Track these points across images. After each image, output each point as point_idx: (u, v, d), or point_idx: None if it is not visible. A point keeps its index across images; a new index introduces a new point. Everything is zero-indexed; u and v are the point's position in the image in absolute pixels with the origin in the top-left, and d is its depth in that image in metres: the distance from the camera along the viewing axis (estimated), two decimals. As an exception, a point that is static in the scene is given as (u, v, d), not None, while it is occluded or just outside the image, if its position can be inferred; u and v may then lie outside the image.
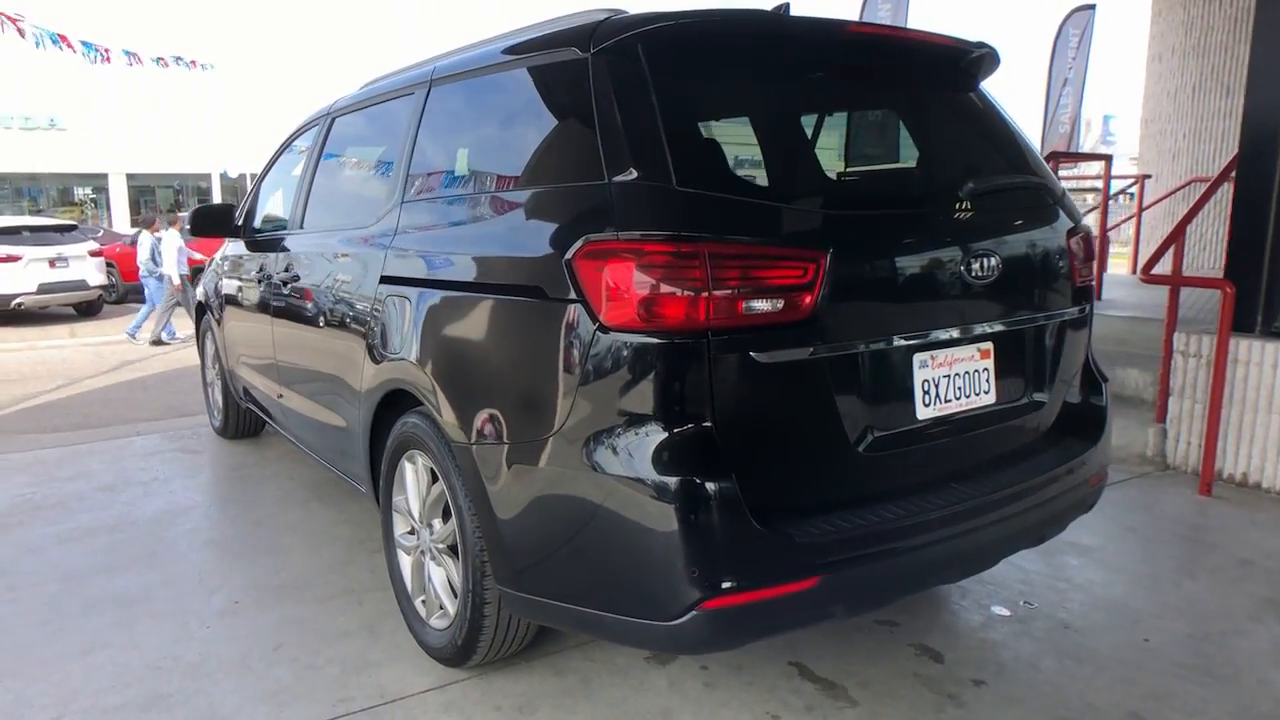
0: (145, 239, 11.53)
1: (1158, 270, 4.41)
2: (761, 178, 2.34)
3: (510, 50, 2.54)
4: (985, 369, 2.41)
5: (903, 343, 2.22)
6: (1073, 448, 2.61)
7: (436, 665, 2.67)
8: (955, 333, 2.32)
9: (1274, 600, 3.11)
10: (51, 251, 13.26)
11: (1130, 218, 9.40)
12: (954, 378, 2.34)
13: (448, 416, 2.39)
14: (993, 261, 2.29)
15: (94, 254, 13.98)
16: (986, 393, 2.42)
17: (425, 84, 2.94)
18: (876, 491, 2.19)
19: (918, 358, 2.26)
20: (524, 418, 2.18)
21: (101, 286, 14.13)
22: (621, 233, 1.96)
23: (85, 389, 8.04)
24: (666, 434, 1.92)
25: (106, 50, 14.18)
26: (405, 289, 2.67)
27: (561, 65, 2.27)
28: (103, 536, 3.80)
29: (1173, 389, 4.49)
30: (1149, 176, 8.87)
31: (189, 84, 27.75)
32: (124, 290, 16.08)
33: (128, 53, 14.98)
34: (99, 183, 35.86)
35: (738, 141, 2.39)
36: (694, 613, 1.92)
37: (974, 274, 2.26)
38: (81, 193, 37.47)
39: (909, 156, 2.73)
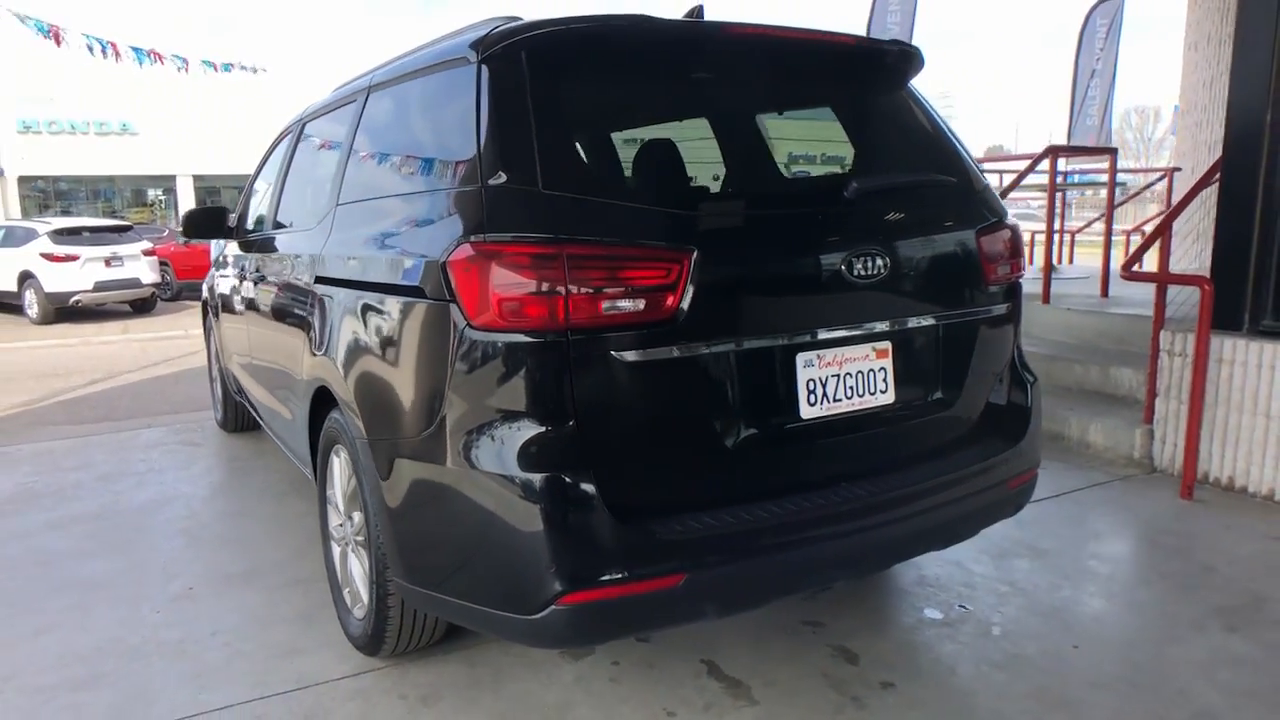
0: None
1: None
2: (633, 180, 2.35)
3: (422, 58, 2.61)
4: (882, 368, 2.39)
5: (783, 342, 2.21)
6: (989, 448, 2.58)
7: (358, 654, 2.75)
8: (844, 332, 2.30)
9: (1224, 608, 3.01)
10: (107, 251, 13.87)
11: (1161, 215, 9.07)
12: (845, 377, 2.33)
13: (350, 412, 2.48)
14: (879, 261, 2.27)
15: (148, 253, 14.58)
16: (884, 392, 2.40)
17: (365, 91, 3.02)
18: (755, 490, 2.19)
19: (801, 357, 2.25)
20: (407, 414, 2.24)
21: (155, 284, 14.72)
22: (489, 235, 2.00)
23: (120, 383, 8.38)
24: (528, 431, 1.96)
25: (158, 55, 14.75)
26: (331, 289, 2.76)
27: (456, 73, 2.32)
28: (88, 524, 4.00)
29: (1159, 389, 4.35)
30: (1178, 169, 8.55)
31: (249, 87, 28.64)
32: (178, 288, 16.71)
33: (178, 58, 15.56)
34: (167, 184, 37.25)
35: (617, 145, 2.40)
36: (553, 607, 1.96)
37: (858, 274, 2.25)
38: (153, 194, 39.04)
39: (805, 157, 2.73)
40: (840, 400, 2.32)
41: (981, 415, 2.65)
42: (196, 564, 3.52)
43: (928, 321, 2.48)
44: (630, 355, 1.99)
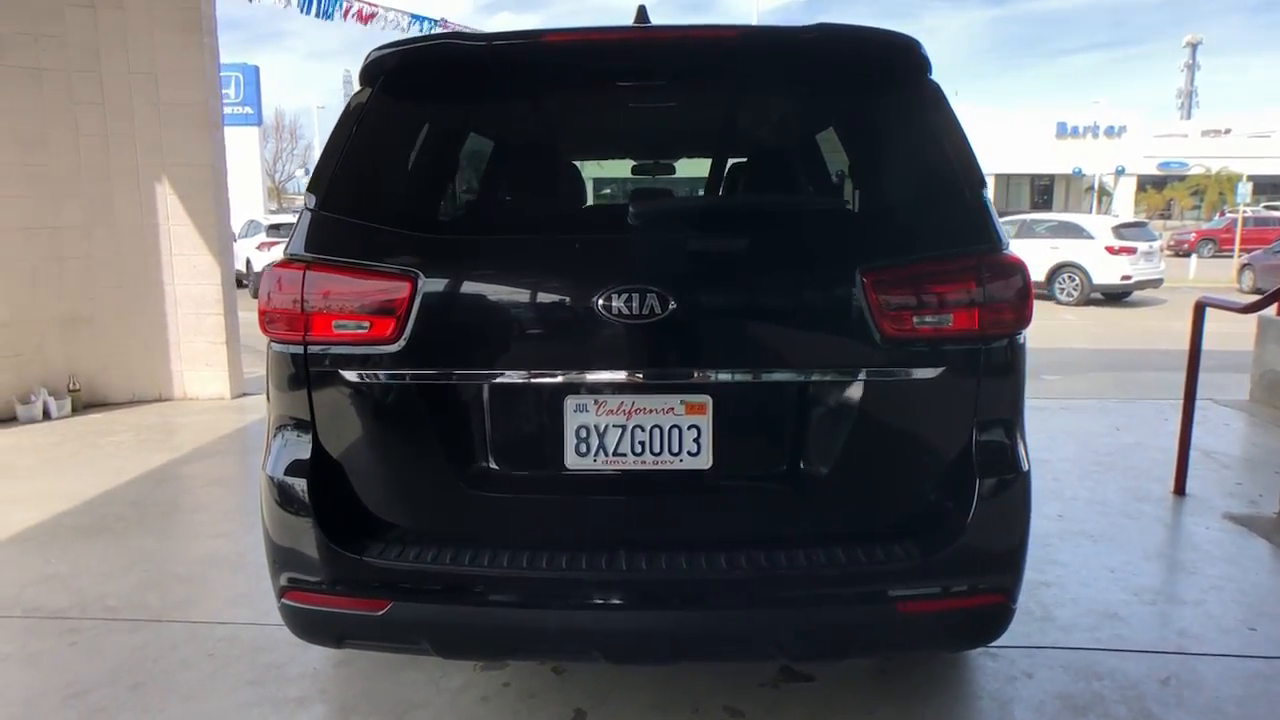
0: None
1: None
2: (400, 204, 2.21)
3: None
4: (694, 426, 1.99)
5: (544, 381, 2.00)
6: (870, 552, 1.96)
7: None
8: (631, 377, 1.98)
9: None
10: None
11: None
12: (635, 430, 2.00)
13: None
14: (653, 300, 1.88)
15: None
16: (694, 454, 1.99)
17: None
18: (500, 537, 2.03)
19: (572, 401, 2.00)
20: None
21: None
22: (289, 253, 2.19)
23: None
24: (277, 434, 2.13)
25: None
26: None
27: None
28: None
29: None
30: None
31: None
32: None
33: None
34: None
35: (412, 167, 2.27)
36: (282, 600, 2.11)
37: (630, 313, 1.89)
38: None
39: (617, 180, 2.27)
40: (625, 455, 2.00)
41: (875, 508, 2.02)
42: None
43: (775, 378, 1.98)
44: (356, 376, 2.02)
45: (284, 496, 2.07)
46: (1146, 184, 46.31)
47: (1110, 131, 41.88)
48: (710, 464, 2.00)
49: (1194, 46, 72.93)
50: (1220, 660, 2.78)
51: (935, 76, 2.21)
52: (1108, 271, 16.02)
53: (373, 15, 11.15)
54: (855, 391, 1.97)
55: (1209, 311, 4.40)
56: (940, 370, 1.97)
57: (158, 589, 3.34)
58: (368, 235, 2.06)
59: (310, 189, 2.14)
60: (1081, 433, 5.52)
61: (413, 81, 2.16)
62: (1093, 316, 14.84)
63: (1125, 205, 41.30)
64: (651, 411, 2.00)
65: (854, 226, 2.09)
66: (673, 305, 1.90)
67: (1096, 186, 41.16)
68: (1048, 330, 13.11)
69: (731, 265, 2.00)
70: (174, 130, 6.15)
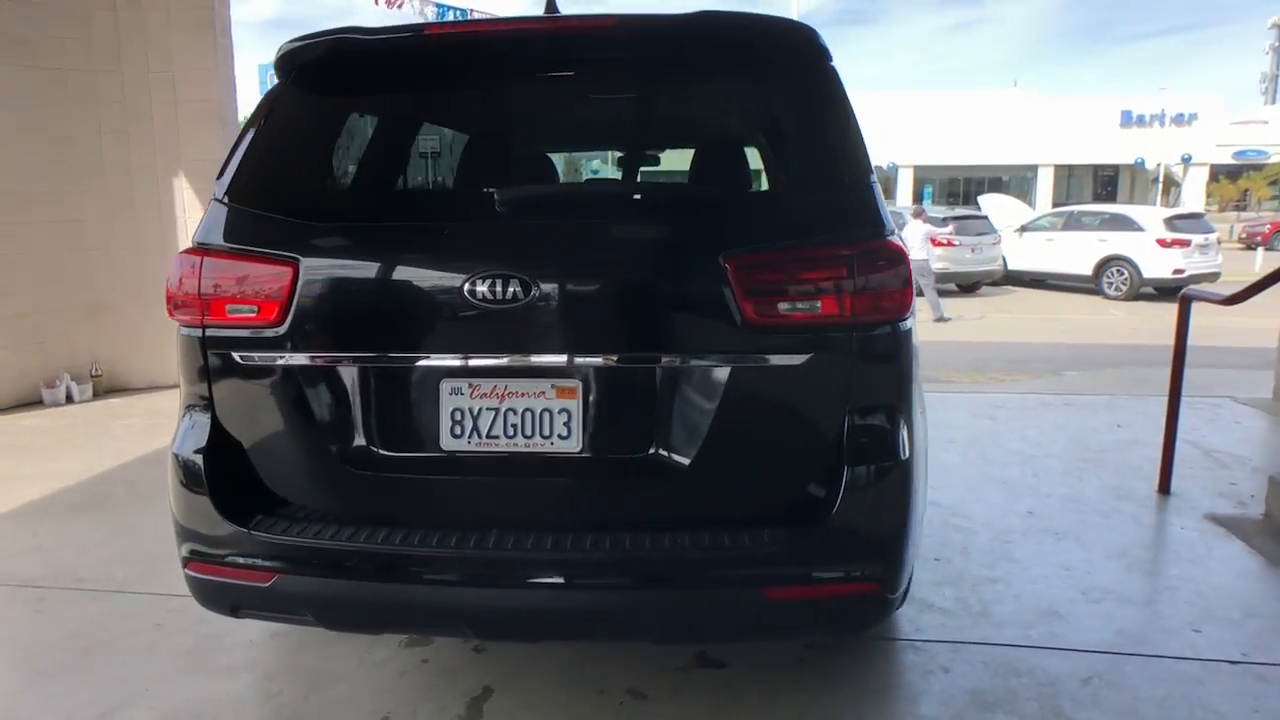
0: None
1: None
2: (303, 192, 2.27)
3: None
4: (566, 410, 2.03)
5: (421, 364, 2.06)
6: (738, 536, 1.98)
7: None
8: (503, 361, 2.03)
9: None
10: None
11: None
12: (508, 413, 2.05)
13: None
14: (515, 286, 1.93)
15: None
16: (565, 438, 2.04)
17: None
18: (379, 515, 2.10)
19: (447, 384, 2.06)
20: None
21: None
22: (195, 240, 2.28)
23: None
24: (185, 417, 2.23)
25: None
26: None
27: None
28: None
29: None
30: None
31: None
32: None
33: None
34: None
35: (309, 155, 2.34)
36: (185, 571, 2.22)
37: (495, 298, 1.94)
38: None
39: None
40: (498, 438, 2.05)
41: (744, 493, 2.04)
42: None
43: (642, 364, 2.00)
44: (246, 358, 2.11)
45: (186, 474, 2.17)
46: (1220, 174, 44.52)
47: (1179, 119, 40.26)
48: (580, 447, 2.04)
49: (1280, 28, 69.86)
50: (1153, 661, 2.71)
51: (836, 63, 2.20)
52: (1158, 265, 15.50)
53: (401, 3, 11.42)
54: (721, 377, 1.98)
55: (1266, 308, 4.22)
56: (808, 357, 1.98)
57: (128, 562, 3.51)
58: (259, 223, 2.15)
59: (217, 179, 2.24)
60: (1078, 429, 5.39)
61: (312, 75, 2.24)
62: (1141, 312, 14.37)
63: (1195, 196, 39.73)
64: (523, 395, 2.05)
65: (721, 213, 2.10)
66: (535, 291, 1.95)
67: (1162, 177, 39.68)
68: (1086, 326, 12.81)
69: (594, 252, 2.04)
70: (191, 126, 6.38)
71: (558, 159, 2.98)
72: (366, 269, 2.08)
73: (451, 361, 2.05)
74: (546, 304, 1.97)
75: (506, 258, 1.97)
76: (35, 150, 6.08)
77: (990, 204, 22.12)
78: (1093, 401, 6.19)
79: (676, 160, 2.58)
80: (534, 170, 2.45)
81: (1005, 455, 4.85)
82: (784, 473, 2.05)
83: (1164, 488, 4.22)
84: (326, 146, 2.27)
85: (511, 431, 2.05)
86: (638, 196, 2.22)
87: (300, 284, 2.05)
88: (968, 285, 17.08)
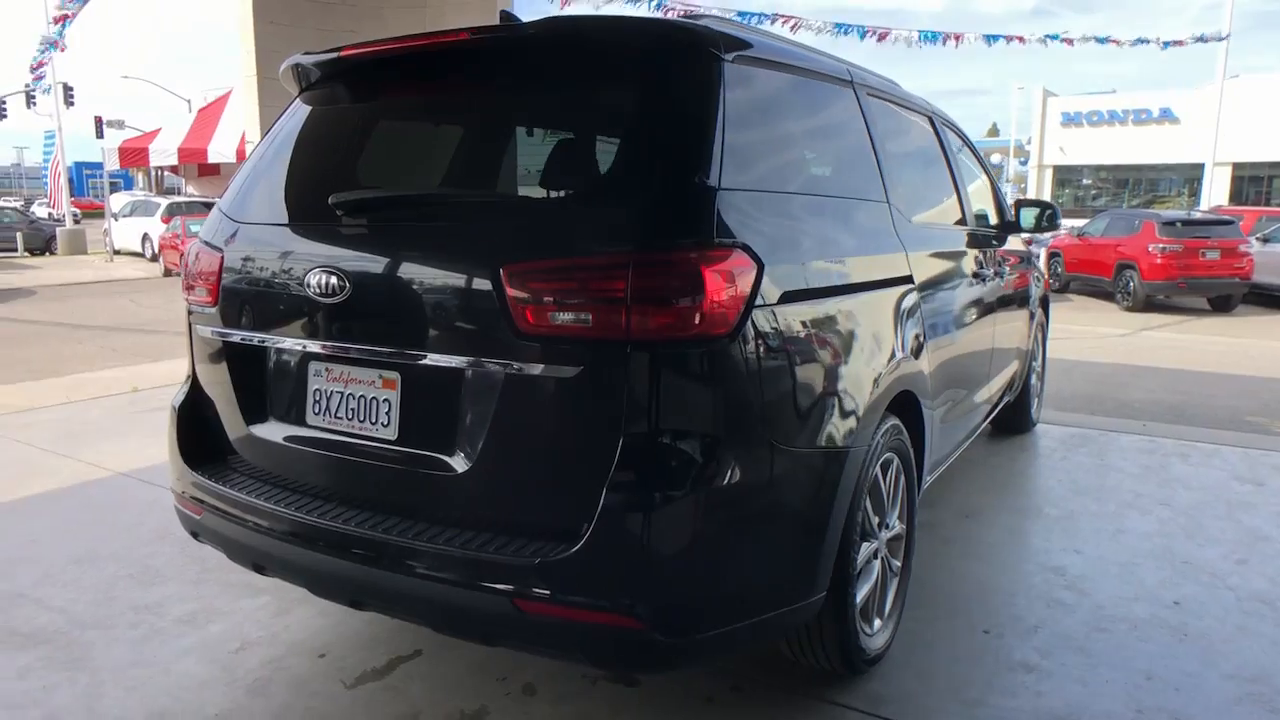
0: None
1: None
2: (249, 194, 2.56)
3: None
4: (388, 400, 2.18)
5: (296, 347, 2.32)
6: (496, 545, 1.97)
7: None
8: (341, 350, 2.22)
9: None
10: None
11: None
12: (349, 397, 2.24)
13: None
14: (334, 281, 2.13)
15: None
16: (385, 426, 2.17)
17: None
18: (267, 475, 2.41)
19: (313, 366, 2.31)
20: None
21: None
22: None
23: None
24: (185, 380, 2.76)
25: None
26: None
27: None
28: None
29: None
30: None
31: None
32: (1065, 279, 16.84)
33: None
34: (1192, 173, 35.73)
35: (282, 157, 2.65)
36: (174, 503, 2.74)
37: (321, 292, 2.16)
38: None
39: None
40: (341, 419, 2.26)
41: (512, 501, 2.01)
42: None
43: (438, 362, 2.06)
44: (199, 329, 2.56)
45: (172, 423, 2.69)
46: None
47: None
48: (396, 436, 2.16)
49: None
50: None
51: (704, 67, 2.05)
52: None
53: None
54: (498, 383, 1.98)
55: None
56: (578, 370, 1.88)
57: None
58: (220, 221, 2.59)
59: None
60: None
61: (289, 92, 2.64)
62: None
63: None
64: (360, 382, 2.22)
65: (513, 220, 2.08)
66: (348, 287, 2.12)
67: None
68: None
69: (395, 253, 2.15)
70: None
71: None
72: (254, 262, 2.41)
73: (314, 347, 2.29)
74: (363, 299, 2.14)
75: (331, 255, 2.21)
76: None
77: None
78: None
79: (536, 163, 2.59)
80: (391, 176, 2.62)
81: (1225, 531, 3.81)
82: (552, 487, 1.98)
83: None
84: (273, 155, 2.63)
85: (350, 415, 2.24)
86: (445, 202, 2.30)
87: (223, 272, 2.44)
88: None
